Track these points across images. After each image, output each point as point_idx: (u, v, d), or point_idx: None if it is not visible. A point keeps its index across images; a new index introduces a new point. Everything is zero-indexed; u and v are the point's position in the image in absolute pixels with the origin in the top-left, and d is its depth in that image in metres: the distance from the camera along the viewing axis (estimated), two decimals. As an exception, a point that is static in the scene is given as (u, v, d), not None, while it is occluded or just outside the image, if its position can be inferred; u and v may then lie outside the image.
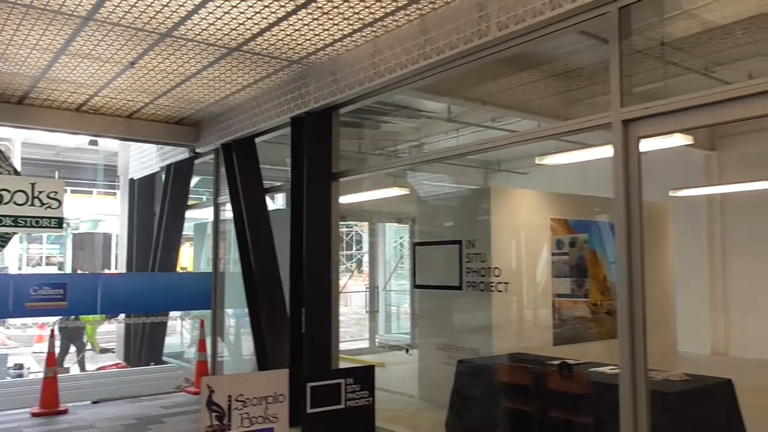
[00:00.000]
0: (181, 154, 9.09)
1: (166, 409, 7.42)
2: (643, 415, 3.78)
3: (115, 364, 10.36)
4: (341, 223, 6.92)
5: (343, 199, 9.86)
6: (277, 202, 11.49)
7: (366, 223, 15.14)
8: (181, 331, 12.01)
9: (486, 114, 8.95)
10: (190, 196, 10.19)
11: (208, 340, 8.56)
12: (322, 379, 4.57)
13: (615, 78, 3.94)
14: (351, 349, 12.09)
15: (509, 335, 6.55)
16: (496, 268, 4.98)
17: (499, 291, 4.99)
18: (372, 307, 11.87)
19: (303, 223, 6.15)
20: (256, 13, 4.89)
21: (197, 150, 8.74)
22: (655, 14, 4.89)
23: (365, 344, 12.67)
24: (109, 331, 12.55)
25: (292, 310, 6.21)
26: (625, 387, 3.85)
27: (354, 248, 20.67)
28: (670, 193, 9.54)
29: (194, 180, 10.46)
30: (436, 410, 6.24)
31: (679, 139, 6.18)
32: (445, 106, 8.70)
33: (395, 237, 15.15)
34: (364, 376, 4.72)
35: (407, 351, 7.17)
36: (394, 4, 4.71)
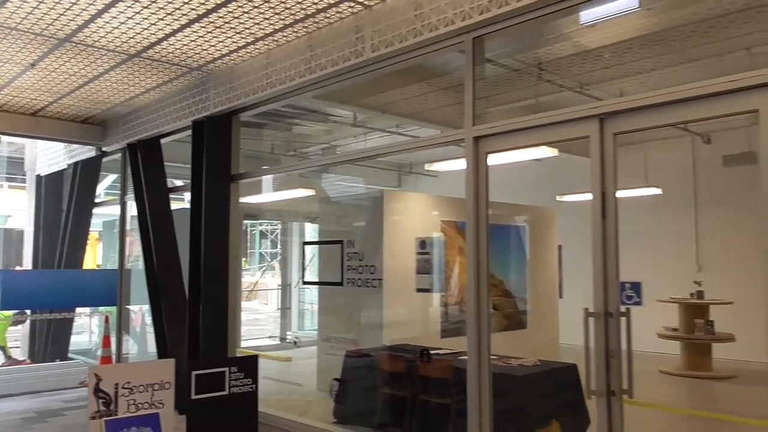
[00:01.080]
0: (88, 152, 9.18)
1: (67, 403, 7.56)
2: (486, 395, 4.34)
3: (20, 361, 10.29)
4: (261, 221, 7.24)
5: (255, 199, 10.23)
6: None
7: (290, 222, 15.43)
8: (90, 328, 11.98)
9: (391, 120, 9.47)
10: (109, 193, 10.23)
11: (114, 336, 8.70)
12: (207, 368, 4.94)
13: (468, 99, 4.48)
14: (264, 345, 12.39)
15: (400, 328, 7.07)
16: (371, 266, 5.47)
17: (374, 287, 5.48)
18: (284, 304, 12.20)
19: (201, 223, 6.46)
20: (152, 24, 5.19)
21: (104, 149, 8.86)
22: (510, 42, 5.47)
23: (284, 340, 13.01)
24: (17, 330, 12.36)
25: (190, 306, 6.51)
26: (472, 372, 4.40)
27: (279, 246, 20.89)
28: (557, 198, 10.35)
29: (114, 177, 10.50)
30: (330, 400, 6.67)
31: (546, 151, 6.87)
32: (352, 112, 9.17)
33: (311, 235, 15.52)
34: (248, 365, 5.12)
35: (295, 344, 7.58)
36: (281, 21, 5.11)
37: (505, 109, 8.38)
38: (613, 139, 3.84)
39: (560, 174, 11.00)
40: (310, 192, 8.90)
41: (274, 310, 17.43)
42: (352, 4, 4.75)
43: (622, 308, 3.83)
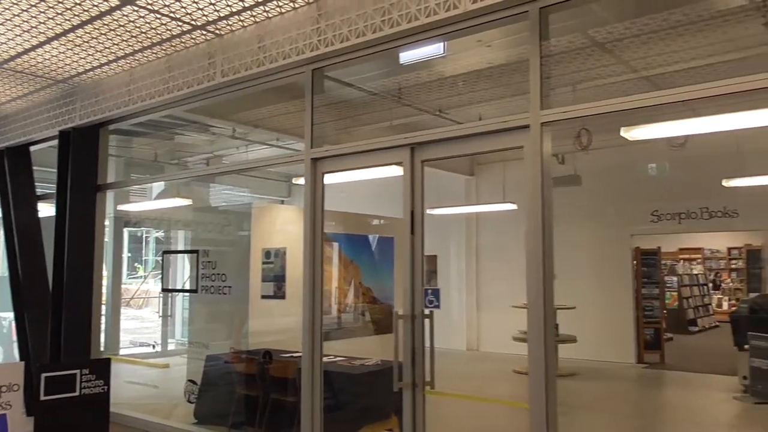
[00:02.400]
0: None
1: None
2: (317, 392, 4.84)
3: None
4: (143, 228, 7.42)
5: (136, 207, 10.33)
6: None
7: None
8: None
9: (272, 134, 9.88)
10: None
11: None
12: (58, 370, 5.16)
13: (307, 124, 4.99)
14: (149, 353, 12.36)
15: (265, 333, 7.47)
16: (222, 274, 5.87)
17: (224, 293, 5.88)
18: (165, 311, 12.24)
19: (65, 231, 6.61)
20: (13, 37, 5.37)
21: (-29, 154, 8.74)
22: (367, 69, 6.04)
23: (169, 347, 12.98)
24: None
25: (53, 312, 6.64)
26: (306, 372, 4.89)
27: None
28: (428, 212, 11.06)
29: None
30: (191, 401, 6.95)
31: (398, 170, 7.49)
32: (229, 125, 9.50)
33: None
34: (100, 367, 5.37)
35: (153, 347, 7.84)
36: (139, 44, 5.44)
37: (366, 130, 9.03)
38: (421, 165, 4.44)
39: (431, 188, 11.78)
40: (186, 201, 9.14)
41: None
42: (205, 32, 5.15)
43: (426, 311, 4.41)
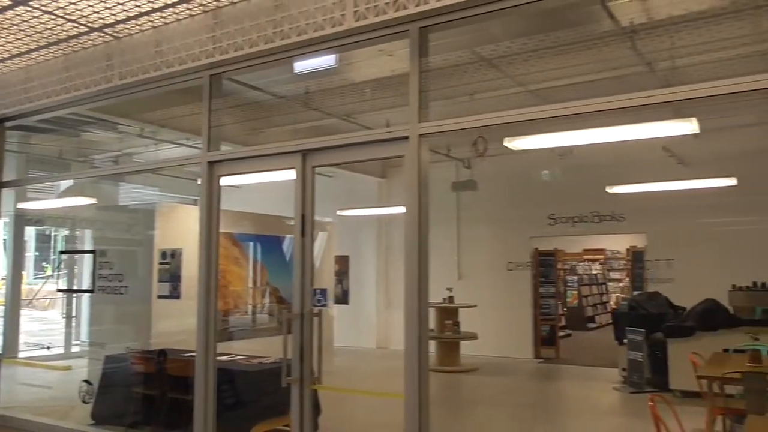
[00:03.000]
0: None
1: None
2: (210, 390, 4.99)
3: None
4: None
5: (38, 205, 10.05)
6: None
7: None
8: None
9: (182, 133, 9.85)
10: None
11: None
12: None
13: (204, 128, 5.12)
14: (45, 355, 12.00)
15: (167, 332, 7.49)
16: (120, 274, 5.91)
17: (120, 293, 5.93)
18: (69, 312, 11.94)
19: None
20: None
21: None
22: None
23: (74, 349, 12.63)
24: None
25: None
26: (199, 370, 5.03)
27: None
28: (339, 213, 11.35)
29: None
30: (89, 402, 6.89)
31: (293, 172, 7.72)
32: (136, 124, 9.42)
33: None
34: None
35: (48, 348, 7.75)
36: (35, 42, 5.41)
37: (277, 131, 9.19)
38: (312, 171, 4.67)
39: (344, 190, 12.09)
40: (90, 200, 9.00)
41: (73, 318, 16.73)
42: (102, 34, 5.20)
43: (315, 310, 4.64)
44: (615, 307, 13.29)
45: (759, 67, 6.85)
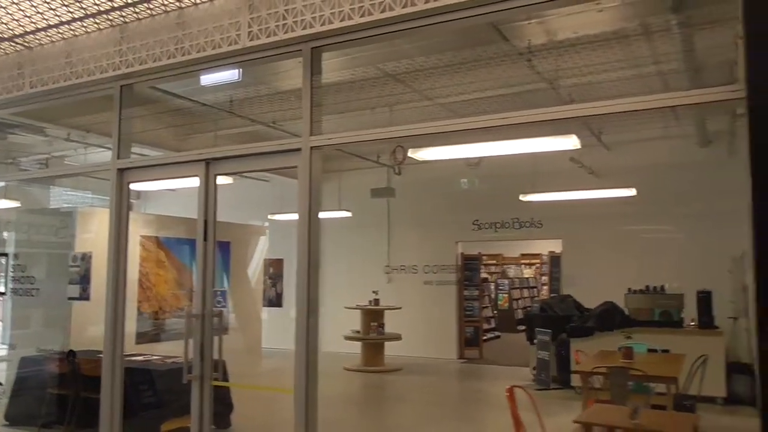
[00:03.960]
0: None
1: None
2: (117, 389, 5.19)
3: None
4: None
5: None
6: None
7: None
8: None
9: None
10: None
11: None
12: None
13: (114, 136, 5.33)
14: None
15: (88, 334, 7.60)
16: (32, 276, 6.04)
17: (31, 296, 6.06)
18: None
19: None
20: None
21: None
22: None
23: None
24: None
25: None
26: (106, 369, 5.22)
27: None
28: (269, 217, 11.58)
29: None
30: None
31: (224, 179, 7.95)
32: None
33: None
34: None
35: None
36: (-53, 49, 5.51)
37: (205, 138, 9.39)
38: (214, 179, 4.93)
39: (280, 194, 12.31)
40: (14, 203, 9.01)
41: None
42: (13, 44, 5.35)
43: (215, 310, 4.90)
44: (528, 309, 13.86)
45: (656, 86, 7.44)
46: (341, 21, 4.04)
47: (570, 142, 5.74)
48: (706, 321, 7.97)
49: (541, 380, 8.74)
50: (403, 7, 3.83)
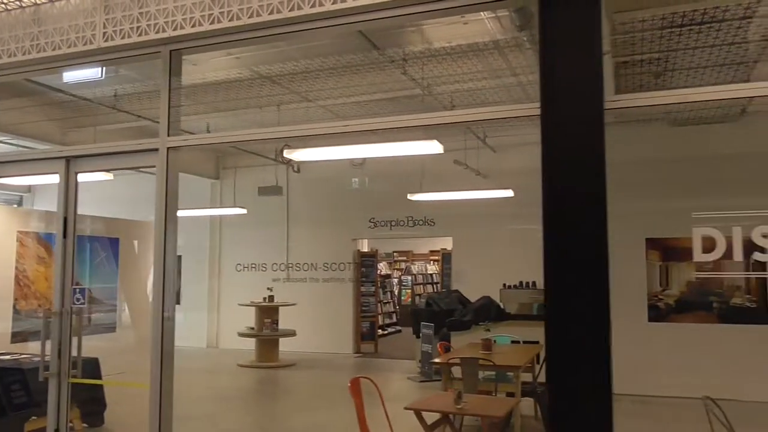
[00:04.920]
0: None
1: None
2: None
3: None
4: None
5: None
6: None
7: None
8: None
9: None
10: None
11: None
12: None
13: (-27, 131, 5.22)
14: None
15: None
16: None
17: None
18: None
19: None
20: None
21: None
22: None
23: None
24: None
25: None
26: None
27: None
28: (163, 213, 11.43)
29: None
30: None
31: (103, 175, 7.89)
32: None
33: None
34: None
35: None
36: None
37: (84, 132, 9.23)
38: (75, 176, 4.93)
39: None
40: None
41: None
42: None
43: (74, 308, 4.91)
44: (415, 304, 14.34)
45: (518, 96, 7.91)
46: (192, 27, 4.16)
47: (433, 147, 6.07)
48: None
49: (425, 372, 9.12)
50: (250, 17, 4.00)
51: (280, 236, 12.48)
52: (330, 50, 6.59)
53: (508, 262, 9.93)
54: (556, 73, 3.26)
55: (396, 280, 17.47)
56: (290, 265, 12.39)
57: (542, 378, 6.74)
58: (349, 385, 4.26)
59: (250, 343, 11.08)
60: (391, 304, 16.10)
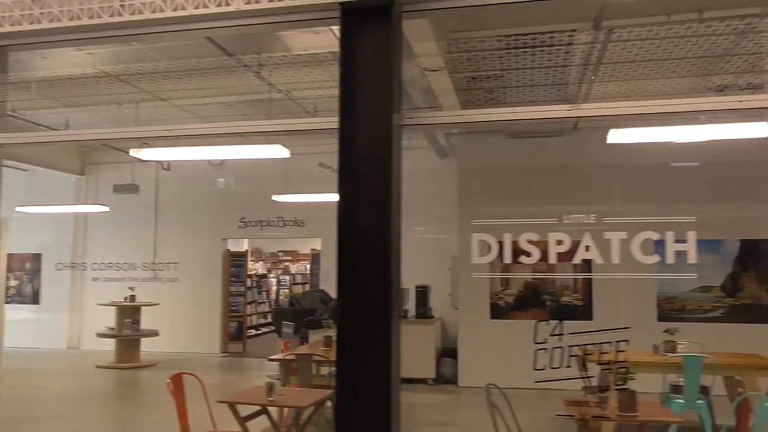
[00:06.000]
0: None
1: None
2: None
3: None
4: None
5: None
6: None
7: None
8: None
9: None
10: None
11: None
12: None
13: None
14: None
15: None
16: None
17: None
18: None
19: None
20: None
21: None
22: None
23: None
24: None
25: None
26: None
27: None
28: (17, 209, 10.95)
29: None
30: None
31: None
32: None
33: None
34: None
35: None
36: None
37: None
38: None
39: (38, 185, 11.74)
40: None
41: None
42: None
43: None
44: (279, 304, 14.56)
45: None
46: (12, 26, 4.16)
47: (278, 151, 6.30)
48: (422, 312, 9.06)
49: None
50: (70, 20, 4.05)
51: (148, 235, 12.25)
52: (183, 53, 6.65)
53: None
54: (351, 90, 3.58)
55: (275, 280, 17.53)
56: (158, 265, 12.19)
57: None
58: (168, 381, 4.39)
59: (113, 344, 10.83)
60: (267, 303, 16.14)
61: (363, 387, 3.45)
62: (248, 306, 14.05)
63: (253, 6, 3.76)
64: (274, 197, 10.05)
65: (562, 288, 8.59)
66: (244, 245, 15.68)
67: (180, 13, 3.92)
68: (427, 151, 10.75)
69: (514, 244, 3.67)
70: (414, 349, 8.91)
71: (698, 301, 8.21)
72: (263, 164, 9.55)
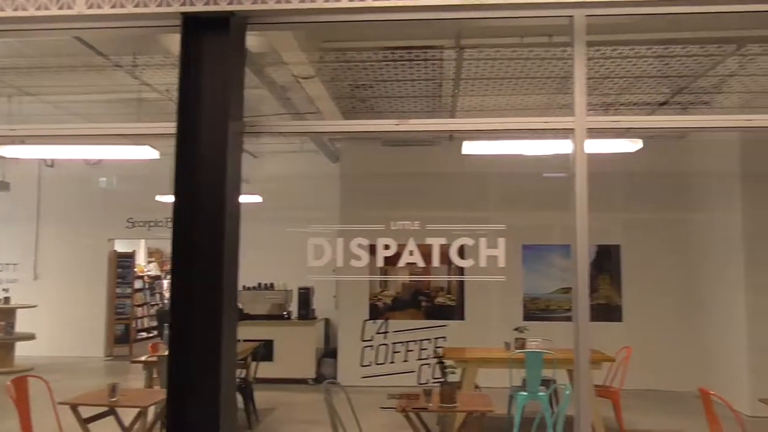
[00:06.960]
0: None
1: None
2: None
3: None
4: None
5: None
6: None
7: None
8: None
9: None
10: None
11: None
12: None
13: None
14: None
15: None
16: None
17: None
18: None
19: None
20: None
21: None
22: None
23: None
24: None
25: None
26: None
27: None
28: None
29: None
30: None
31: None
32: None
33: None
34: None
35: None
36: None
37: None
38: None
39: None
40: None
41: None
42: None
43: None
44: (162, 307, 14.40)
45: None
46: None
47: (147, 152, 6.32)
48: (304, 314, 9.24)
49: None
50: None
51: (27, 234, 11.80)
52: (52, 50, 6.54)
53: (251, 265, 10.36)
54: (189, 96, 3.72)
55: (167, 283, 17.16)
56: (38, 265, 11.78)
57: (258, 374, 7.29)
58: (8, 384, 4.36)
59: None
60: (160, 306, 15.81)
61: (193, 396, 3.54)
62: (139, 308, 13.76)
63: (95, 11, 3.83)
64: (158, 198, 9.95)
65: (437, 289, 9.00)
66: (140, 246, 15.32)
67: (21, 13, 3.93)
68: (319, 155, 10.95)
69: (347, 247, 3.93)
70: (295, 350, 9.10)
71: (559, 302, 8.83)
72: (143, 164, 9.47)
